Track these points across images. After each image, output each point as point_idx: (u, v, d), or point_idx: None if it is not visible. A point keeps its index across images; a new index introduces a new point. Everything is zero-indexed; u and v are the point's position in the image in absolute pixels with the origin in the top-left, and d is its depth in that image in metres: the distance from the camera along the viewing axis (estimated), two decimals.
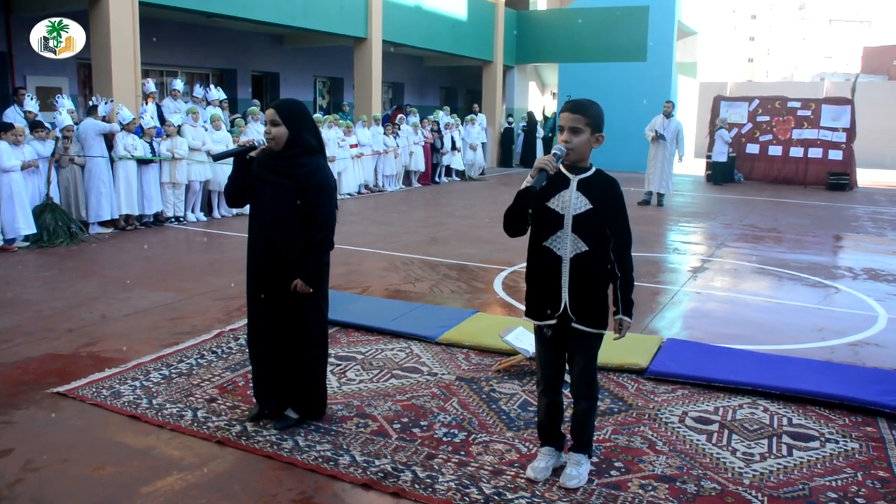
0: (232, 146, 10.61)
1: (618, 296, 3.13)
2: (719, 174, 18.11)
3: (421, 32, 18.44)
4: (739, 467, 3.42)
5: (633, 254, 3.14)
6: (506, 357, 4.73)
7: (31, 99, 9.80)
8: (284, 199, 3.54)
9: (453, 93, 25.99)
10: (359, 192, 14.49)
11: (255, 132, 11.39)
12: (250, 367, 3.91)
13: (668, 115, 13.27)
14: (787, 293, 7.14)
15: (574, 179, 3.08)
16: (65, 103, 9.47)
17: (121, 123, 9.70)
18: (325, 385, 3.86)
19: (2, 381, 4.32)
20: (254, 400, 3.89)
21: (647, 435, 3.74)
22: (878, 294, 7.01)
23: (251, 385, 3.95)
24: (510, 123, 21.42)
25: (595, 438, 3.53)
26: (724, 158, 18.03)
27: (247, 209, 3.76)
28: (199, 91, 12.26)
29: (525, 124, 21.85)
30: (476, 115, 19.90)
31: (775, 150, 18.58)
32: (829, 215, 12.97)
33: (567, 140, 3.04)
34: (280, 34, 17.47)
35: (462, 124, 18.20)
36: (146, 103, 11.08)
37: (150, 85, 11.37)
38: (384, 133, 15.31)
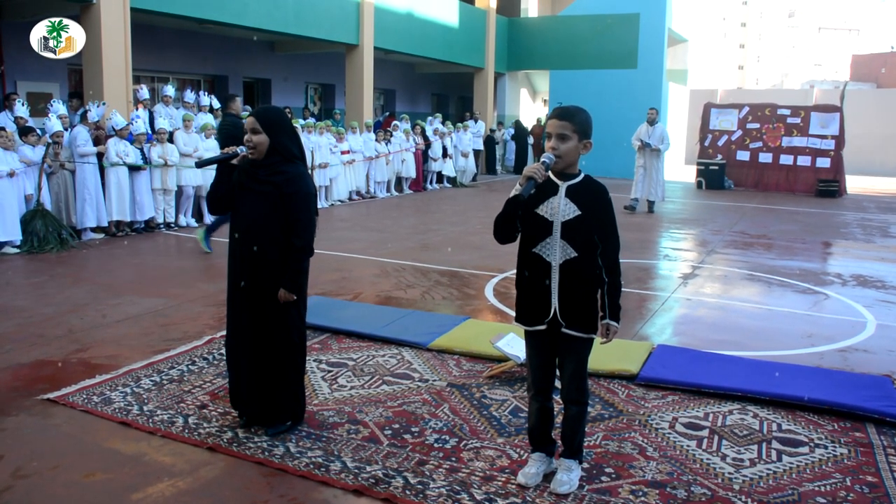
0: (219, 152, 10.60)
1: (605, 300, 3.15)
2: None
3: (412, 39, 18.50)
4: (729, 473, 3.44)
5: (624, 260, 3.15)
6: (497, 363, 4.74)
7: (22, 104, 9.78)
8: (264, 206, 3.55)
9: (445, 99, 26.06)
10: (350, 199, 14.49)
11: None
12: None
13: (652, 123, 13.16)
14: (776, 299, 7.17)
15: (563, 186, 3.10)
16: (57, 108, 9.44)
17: (113, 129, 9.68)
18: (304, 389, 3.87)
19: None
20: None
21: (637, 441, 3.76)
22: (867, 300, 7.05)
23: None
24: (492, 131, 21.37)
25: (586, 444, 3.55)
26: None
27: None
28: (190, 96, 12.26)
29: (513, 132, 21.84)
30: (475, 121, 19.91)
31: (765, 157, 18.68)
32: (819, 222, 13.04)
33: (554, 147, 3.06)
34: (272, 41, 17.49)
35: (454, 131, 18.23)
36: (137, 109, 11.06)
37: (144, 91, 11.35)
38: (375, 139, 15.32)
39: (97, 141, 9.58)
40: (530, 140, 21.59)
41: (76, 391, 4.23)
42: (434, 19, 19.25)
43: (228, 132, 8.60)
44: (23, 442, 3.60)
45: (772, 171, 18.61)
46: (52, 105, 9.48)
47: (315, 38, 15.61)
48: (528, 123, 23.47)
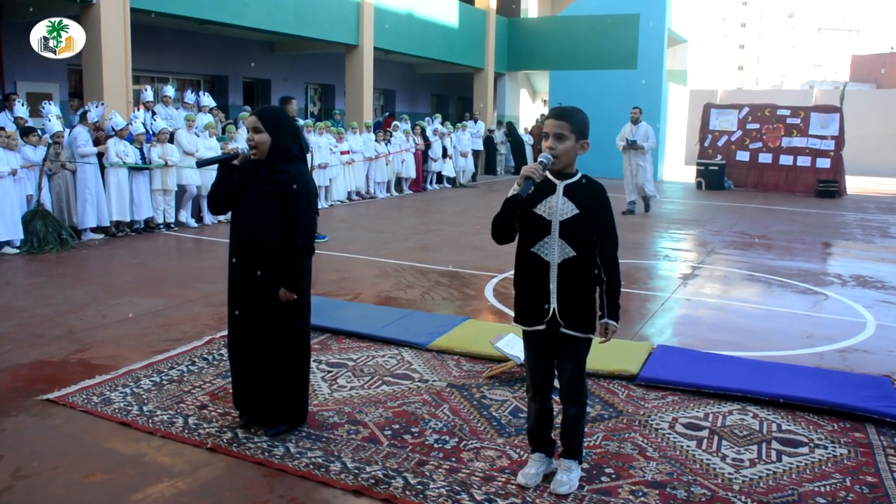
0: (220, 152, 10.64)
1: (604, 300, 3.15)
2: None
3: (412, 39, 18.50)
4: (729, 473, 3.44)
5: (624, 260, 3.15)
6: (497, 364, 4.74)
7: (22, 105, 9.77)
8: (265, 205, 3.56)
9: (444, 100, 26.05)
10: (349, 199, 14.48)
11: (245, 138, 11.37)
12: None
13: (636, 122, 12.90)
14: (776, 300, 7.17)
15: (560, 185, 3.11)
16: (51, 110, 9.39)
17: (113, 129, 9.68)
18: (307, 389, 3.87)
19: None
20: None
21: (637, 441, 3.76)
22: (867, 301, 7.05)
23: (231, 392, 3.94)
24: (490, 132, 21.25)
25: (586, 444, 3.55)
26: None
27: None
28: (190, 97, 12.26)
29: (507, 133, 21.71)
30: (475, 122, 19.86)
31: (765, 158, 18.68)
32: (819, 222, 13.04)
33: (552, 147, 3.06)
34: (272, 41, 17.49)
35: (454, 131, 18.23)
36: (138, 110, 11.06)
37: (148, 93, 11.32)
38: (375, 140, 15.32)
39: (97, 141, 9.57)
40: (529, 140, 21.54)
41: (76, 391, 4.23)
42: (434, 19, 19.25)
43: None
44: (23, 442, 3.60)
45: (772, 172, 18.61)
46: (44, 107, 9.44)
47: (315, 38, 15.61)
48: (528, 124, 23.47)
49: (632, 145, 12.87)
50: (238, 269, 3.63)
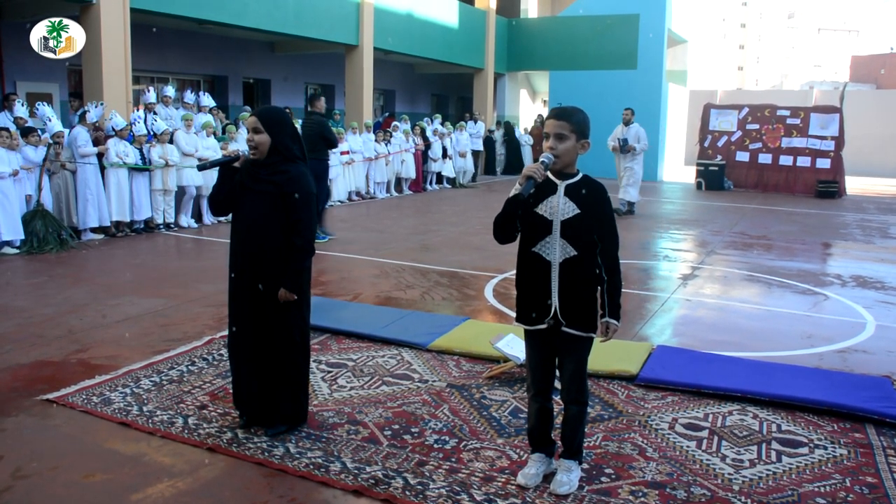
0: (220, 153, 10.66)
1: (605, 299, 3.16)
2: None
3: (412, 39, 18.51)
4: (729, 473, 3.44)
5: (624, 260, 3.16)
6: (496, 364, 4.74)
7: (22, 105, 9.77)
8: (266, 206, 3.56)
9: (444, 100, 26.06)
10: (349, 199, 14.48)
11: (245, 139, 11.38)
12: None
13: (627, 123, 12.72)
14: (776, 300, 7.17)
15: (561, 185, 3.11)
16: (45, 111, 9.33)
17: (113, 129, 9.68)
18: (307, 390, 3.87)
19: None
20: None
21: (637, 441, 3.76)
22: (867, 301, 7.05)
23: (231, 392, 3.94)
24: (490, 132, 21.16)
25: (585, 445, 3.55)
26: None
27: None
28: (189, 97, 12.26)
29: (504, 133, 21.66)
30: (475, 122, 19.85)
31: (765, 158, 18.67)
32: (819, 223, 13.04)
33: (553, 147, 3.07)
34: (272, 41, 17.49)
35: (454, 131, 18.22)
36: (138, 110, 11.06)
37: (151, 95, 11.34)
38: (375, 140, 15.32)
39: (96, 141, 9.57)
40: (528, 140, 21.51)
41: (76, 391, 4.23)
42: (434, 20, 19.26)
43: (314, 131, 8.87)
44: (23, 442, 3.60)
45: (771, 172, 18.60)
46: (38, 108, 9.39)
47: (315, 38, 15.62)
48: (528, 124, 23.46)
49: (623, 146, 12.70)
50: (238, 283, 3.63)
